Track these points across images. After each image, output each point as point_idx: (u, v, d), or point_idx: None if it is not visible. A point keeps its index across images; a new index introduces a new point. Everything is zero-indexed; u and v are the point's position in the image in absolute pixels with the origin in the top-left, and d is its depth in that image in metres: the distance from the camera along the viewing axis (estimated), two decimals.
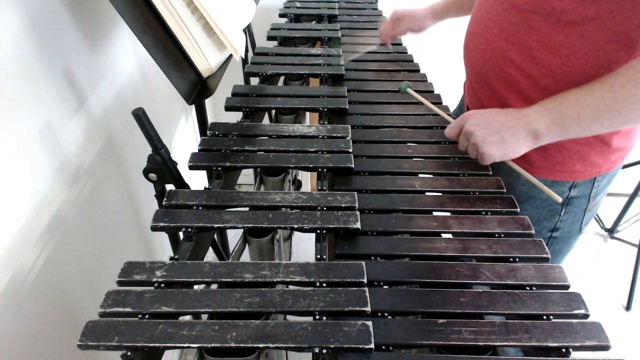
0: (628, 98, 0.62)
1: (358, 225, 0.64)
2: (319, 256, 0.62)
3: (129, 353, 0.49)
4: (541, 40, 0.72)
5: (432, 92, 1.01)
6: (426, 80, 1.05)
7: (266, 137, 0.82)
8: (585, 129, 0.67)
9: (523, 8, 0.72)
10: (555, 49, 0.71)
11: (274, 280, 0.56)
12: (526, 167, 0.77)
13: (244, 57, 1.03)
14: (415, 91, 0.90)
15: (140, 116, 0.66)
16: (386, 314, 0.55)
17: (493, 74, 0.81)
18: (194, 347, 0.49)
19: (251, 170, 0.87)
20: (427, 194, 0.74)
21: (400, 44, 1.22)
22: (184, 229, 0.65)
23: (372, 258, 0.62)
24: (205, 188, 0.72)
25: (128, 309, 0.53)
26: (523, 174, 0.75)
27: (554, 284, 0.59)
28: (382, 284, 0.58)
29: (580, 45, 0.69)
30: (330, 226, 0.64)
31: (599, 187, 0.85)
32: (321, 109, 0.91)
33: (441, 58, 1.61)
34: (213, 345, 0.49)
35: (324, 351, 0.49)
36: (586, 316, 0.55)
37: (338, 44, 1.17)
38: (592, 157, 0.80)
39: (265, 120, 0.98)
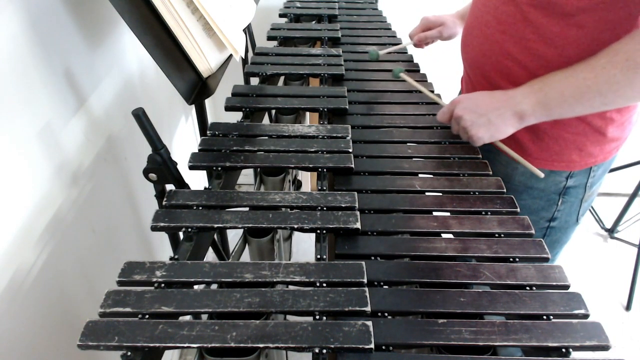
0: (608, 79, 0.65)
1: (358, 225, 0.64)
2: (319, 256, 0.62)
3: (129, 353, 0.49)
4: (537, 31, 0.73)
5: (432, 91, 1.01)
6: (426, 80, 1.05)
7: (266, 137, 0.82)
8: (567, 109, 0.70)
9: (520, 1, 0.74)
10: (551, 40, 0.73)
11: (274, 280, 0.56)
12: (524, 157, 0.79)
13: (244, 57, 1.03)
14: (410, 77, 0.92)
15: (140, 116, 0.66)
16: (386, 314, 0.55)
17: (491, 66, 0.82)
18: (194, 347, 0.49)
19: (251, 170, 0.87)
20: (427, 194, 0.74)
21: (400, 44, 1.21)
22: (184, 229, 0.65)
23: (372, 258, 0.62)
24: (205, 188, 0.72)
25: (128, 309, 0.53)
26: (509, 152, 0.79)
27: (554, 284, 0.59)
28: (382, 284, 0.58)
29: (575, 35, 0.71)
30: (330, 226, 0.64)
31: (595, 177, 0.88)
32: (321, 109, 0.91)
33: (441, 56, 1.61)
34: (213, 345, 0.49)
35: (324, 351, 0.49)
36: (586, 316, 0.55)
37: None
38: (588, 147, 0.82)
39: (265, 120, 0.98)
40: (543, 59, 0.75)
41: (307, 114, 1.21)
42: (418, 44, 1.09)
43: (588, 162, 0.84)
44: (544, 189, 0.88)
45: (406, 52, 1.18)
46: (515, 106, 0.71)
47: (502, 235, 0.66)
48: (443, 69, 1.43)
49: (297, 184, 1.19)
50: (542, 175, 0.76)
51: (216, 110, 1.94)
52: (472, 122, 0.74)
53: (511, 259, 0.62)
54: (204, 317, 0.55)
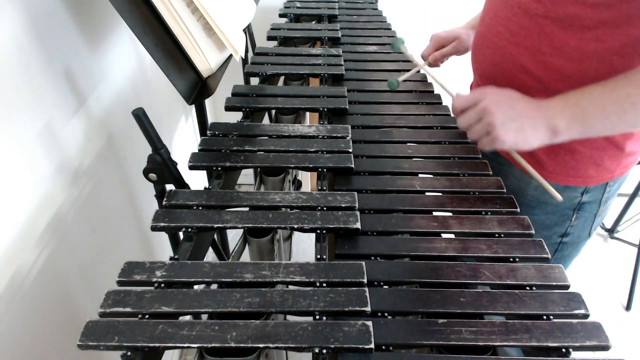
0: None
1: (358, 225, 0.64)
2: (319, 256, 0.62)
3: (129, 353, 0.49)
4: (554, 45, 0.70)
5: (432, 92, 1.01)
6: (426, 81, 1.05)
7: (266, 137, 0.82)
8: (607, 127, 0.64)
9: (535, 13, 0.71)
10: (569, 53, 0.70)
11: (274, 280, 0.56)
12: (539, 171, 0.75)
13: (244, 57, 1.03)
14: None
15: (140, 116, 0.66)
16: (386, 314, 0.55)
17: (503, 79, 0.79)
18: (194, 347, 0.49)
19: (251, 170, 0.87)
20: (427, 194, 0.74)
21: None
22: (184, 229, 0.65)
23: (372, 258, 0.62)
24: (205, 188, 0.72)
25: (128, 309, 0.53)
26: (526, 166, 0.74)
27: (554, 284, 0.59)
28: (382, 284, 0.58)
29: (594, 49, 0.68)
30: (330, 226, 0.64)
31: (610, 192, 0.85)
32: (321, 109, 0.91)
33: (447, 61, 1.60)
34: (213, 345, 0.49)
35: (324, 351, 0.49)
36: (586, 316, 0.55)
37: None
38: (605, 162, 0.79)
39: (265, 120, 0.98)
40: (559, 72, 0.71)
41: (307, 114, 1.21)
42: (434, 64, 1.03)
43: (604, 178, 0.81)
44: (558, 204, 0.84)
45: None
46: (550, 118, 0.64)
47: (502, 235, 0.66)
48: (450, 73, 1.42)
49: (297, 184, 1.19)
50: (560, 198, 0.71)
51: (216, 110, 1.94)
52: (502, 122, 0.64)
53: (511, 259, 0.62)
54: (204, 317, 0.55)
